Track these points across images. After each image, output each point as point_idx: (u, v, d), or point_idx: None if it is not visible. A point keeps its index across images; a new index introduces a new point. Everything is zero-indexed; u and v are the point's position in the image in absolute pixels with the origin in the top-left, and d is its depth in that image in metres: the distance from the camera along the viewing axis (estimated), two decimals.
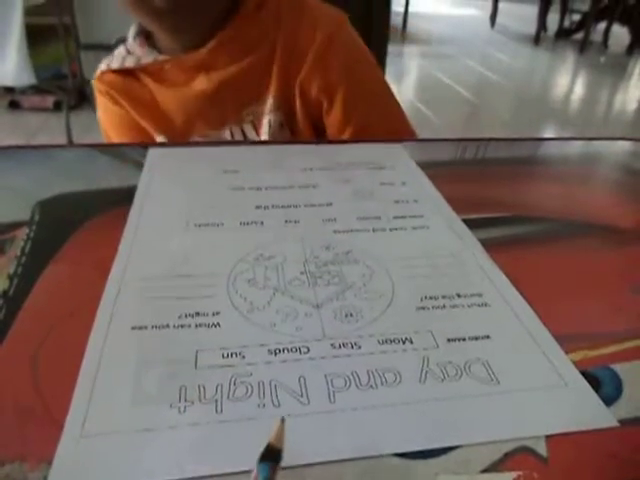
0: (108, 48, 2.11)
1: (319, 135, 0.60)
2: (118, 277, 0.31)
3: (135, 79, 0.60)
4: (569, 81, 3.45)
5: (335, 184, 0.43)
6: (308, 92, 0.57)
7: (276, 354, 0.26)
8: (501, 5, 4.50)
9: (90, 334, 0.27)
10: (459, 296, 0.31)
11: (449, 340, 0.27)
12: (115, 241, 0.34)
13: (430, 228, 0.37)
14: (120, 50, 0.61)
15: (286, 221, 0.37)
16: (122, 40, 0.62)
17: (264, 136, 0.58)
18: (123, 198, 0.39)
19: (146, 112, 0.60)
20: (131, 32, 0.60)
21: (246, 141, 0.59)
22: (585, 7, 4.00)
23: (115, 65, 0.60)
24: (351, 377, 0.25)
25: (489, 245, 0.36)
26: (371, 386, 0.25)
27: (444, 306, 0.30)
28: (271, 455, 0.19)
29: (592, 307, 0.31)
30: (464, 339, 0.28)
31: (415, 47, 3.82)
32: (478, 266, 0.33)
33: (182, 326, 0.28)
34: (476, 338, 0.28)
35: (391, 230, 0.37)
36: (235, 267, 0.32)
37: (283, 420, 0.20)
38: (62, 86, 2.19)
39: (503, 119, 2.54)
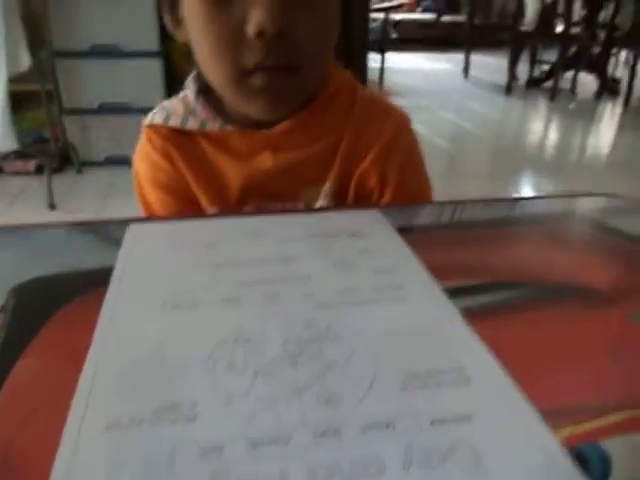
0: (90, 112, 2.14)
1: None
2: (92, 370, 0.30)
3: (192, 141, 0.58)
4: (542, 127, 3.58)
5: (315, 255, 0.43)
6: (365, 183, 0.59)
7: (256, 447, 0.25)
8: (473, 57, 4.70)
9: (62, 436, 0.26)
10: (441, 372, 0.30)
11: (432, 422, 0.27)
12: (90, 328, 0.33)
13: (409, 299, 0.37)
14: (178, 106, 0.58)
15: (265, 297, 0.37)
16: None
17: None
18: (100, 280, 0.39)
19: (202, 179, 0.58)
20: (191, 88, 0.58)
21: (229, 213, 0.59)
22: (552, 57, 4.19)
23: (175, 123, 0.57)
24: (334, 468, 0.24)
25: (470, 314, 0.36)
26: (354, 477, 0.24)
27: (426, 384, 0.29)
28: None
29: (575, 378, 0.31)
30: (447, 420, 0.27)
31: (392, 100, 3.94)
32: (459, 338, 0.33)
33: (158, 421, 0.27)
34: (460, 418, 0.27)
35: (371, 303, 0.37)
36: (214, 350, 0.32)
37: None
38: (44, 150, 2.21)
39: (480, 168, 2.61)
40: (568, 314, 0.37)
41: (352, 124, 0.59)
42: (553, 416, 0.28)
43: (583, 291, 0.40)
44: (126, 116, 2.22)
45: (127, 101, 2.28)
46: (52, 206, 2.03)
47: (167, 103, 0.60)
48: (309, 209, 0.58)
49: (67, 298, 0.37)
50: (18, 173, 2.30)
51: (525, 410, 0.28)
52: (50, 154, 2.19)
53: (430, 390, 0.29)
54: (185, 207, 0.60)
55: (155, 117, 0.59)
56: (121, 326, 0.34)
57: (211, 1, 0.48)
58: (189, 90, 0.59)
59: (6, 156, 2.23)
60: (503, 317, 0.36)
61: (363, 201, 0.61)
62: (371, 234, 0.47)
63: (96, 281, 0.39)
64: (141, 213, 0.63)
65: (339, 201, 0.60)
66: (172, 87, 2.32)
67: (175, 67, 2.24)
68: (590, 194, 0.58)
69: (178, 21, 0.54)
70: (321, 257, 0.43)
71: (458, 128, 3.29)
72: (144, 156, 0.60)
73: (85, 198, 2.16)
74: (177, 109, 0.58)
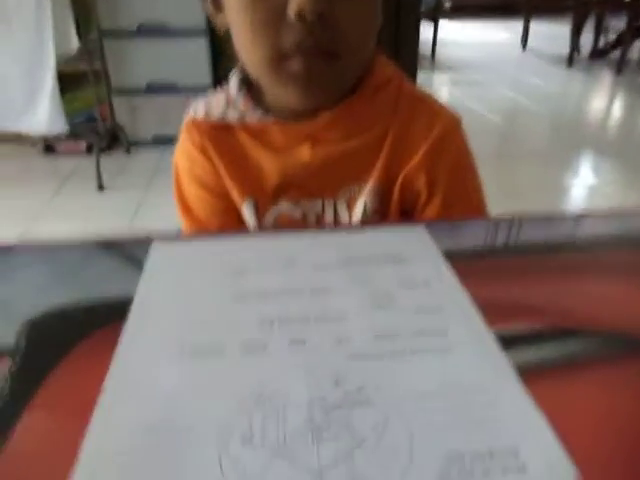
0: (138, 92, 2.14)
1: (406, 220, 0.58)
2: (97, 434, 0.27)
3: (232, 135, 0.57)
4: (606, 104, 3.35)
5: (350, 287, 0.39)
6: (411, 184, 0.56)
7: None
8: (532, 26, 4.44)
9: None
10: (491, 455, 0.26)
11: None
12: (101, 375, 0.31)
13: (455, 351, 0.33)
14: (220, 98, 0.58)
15: (291, 342, 0.33)
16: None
17: (355, 218, 0.57)
18: (117, 313, 0.36)
19: (237, 171, 0.57)
20: (233, 80, 0.57)
21: (258, 232, 0.56)
22: (620, 25, 3.90)
23: (215, 116, 0.57)
24: None
25: (527, 372, 0.30)
26: None
27: (472, 472, 0.25)
28: None
29: None
30: None
31: (445, 74, 3.78)
32: (512, 407, 0.29)
33: None
34: None
35: (410, 354, 0.32)
36: (230, 415, 0.28)
37: None
38: (94, 130, 2.23)
39: (535, 149, 2.47)
40: None
41: (398, 120, 0.55)
42: None
43: None
44: (173, 95, 2.23)
45: (174, 80, 2.27)
46: (101, 187, 2.06)
47: (210, 97, 0.59)
48: (348, 226, 0.54)
49: (79, 336, 0.34)
50: (70, 153, 2.34)
51: None
52: (99, 134, 2.21)
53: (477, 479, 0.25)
54: (221, 204, 0.59)
55: (197, 112, 0.59)
56: (132, 379, 0.31)
57: None
58: (232, 82, 0.58)
59: (58, 136, 2.27)
60: (570, 377, 0.31)
61: (409, 201, 0.57)
62: (415, 259, 0.42)
63: (112, 314, 0.36)
64: (177, 209, 0.62)
65: (383, 203, 0.56)
66: (218, 66, 2.29)
67: (221, 46, 2.20)
68: None
69: (218, 6, 0.53)
70: (358, 290, 0.38)
71: (514, 104, 3.11)
72: (183, 151, 0.60)
73: (133, 178, 2.18)
74: (219, 101, 0.58)
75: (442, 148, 0.55)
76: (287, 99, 0.53)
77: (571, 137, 2.61)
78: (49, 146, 2.36)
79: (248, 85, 0.57)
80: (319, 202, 0.57)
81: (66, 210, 1.90)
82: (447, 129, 0.56)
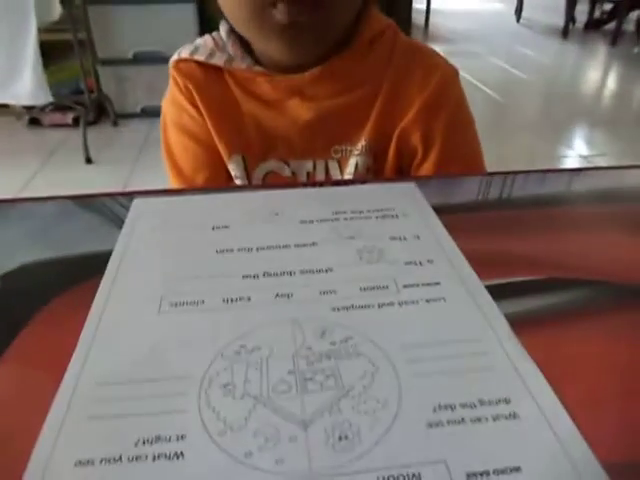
0: (125, 62, 2.08)
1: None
2: (70, 387, 0.26)
3: (220, 80, 0.54)
4: (601, 75, 3.32)
5: (338, 241, 0.37)
6: (408, 140, 0.54)
7: None
8: None
9: (25, 472, 0.22)
10: (481, 403, 0.25)
11: (469, 476, 0.22)
12: (79, 327, 0.29)
13: (447, 300, 0.31)
14: (207, 41, 0.55)
15: (277, 295, 0.32)
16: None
17: (347, 176, 0.55)
18: (95, 268, 0.34)
19: (226, 122, 0.54)
20: (222, 28, 0.54)
21: (244, 186, 0.54)
22: None
23: (200, 56, 0.54)
24: None
25: (519, 323, 0.30)
26: None
27: (462, 419, 0.24)
28: None
29: None
30: (488, 473, 0.22)
31: (438, 45, 3.72)
32: (505, 357, 0.28)
33: (137, 458, 0.22)
34: (503, 471, 0.22)
35: (400, 304, 0.31)
36: (211, 365, 0.27)
37: None
38: (80, 101, 2.18)
39: (530, 120, 2.45)
40: None
41: (392, 75, 0.53)
42: (622, 472, 0.22)
43: None
44: (161, 66, 2.14)
45: (162, 49, 2.21)
46: (88, 160, 2.02)
47: (198, 40, 0.56)
48: (337, 181, 0.52)
49: (55, 290, 0.33)
50: (57, 125, 2.29)
51: (588, 462, 0.22)
52: (85, 106, 2.16)
53: (467, 427, 0.24)
54: (208, 156, 0.57)
55: (182, 51, 0.55)
56: (110, 330, 0.29)
57: None
58: (221, 29, 0.55)
59: (43, 107, 2.22)
60: (563, 328, 0.30)
61: (405, 158, 0.55)
62: (405, 214, 0.41)
63: (91, 269, 0.34)
64: (163, 156, 0.60)
65: (377, 161, 0.55)
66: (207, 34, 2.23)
67: (209, 14, 2.15)
68: None
69: None
70: (346, 244, 0.37)
71: (508, 75, 3.08)
72: (171, 99, 0.57)
73: (121, 151, 2.14)
74: (207, 43, 0.55)
75: (439, 101, 0.53)
76: (272, 54, 0.50)
77: (565, 108, 2.58)
78: (34, 119, 2.30)
79: (237, 35, 0.53)
80: (309, 162, 0.55)
81: (53, 183, 1.87)
82: (444, 81, 0.53)
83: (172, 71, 0.56)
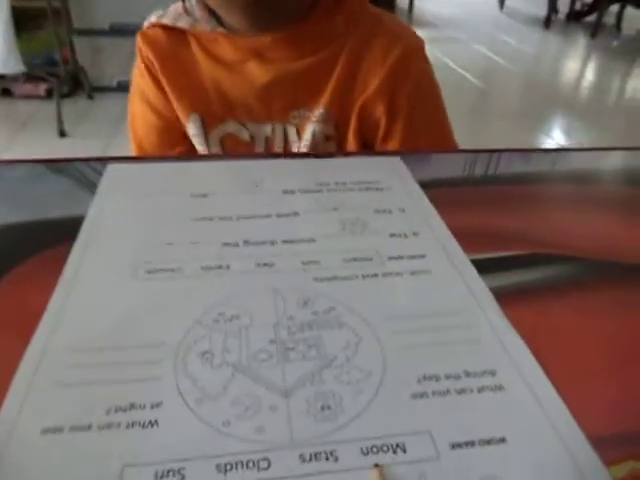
0: (101, 33, 2.01)
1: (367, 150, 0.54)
2: (38, 351, 0.24)
3: (184, 44, 0.54)
4: (580, 66, 3.35)
5: (321, 212, 0.36)
6: (371, 112, 0.52)
7: (226, 471, 0.20)
8: None
9: None
10: (467, 374, 0.24)
11: (453, 446, 0.21)
12: (48, 293, 0.28)
13: (432, 273, 0.31)
14: (177, 6, 0.55)
15: (257, 264, 0.31)
16: None
17: (304, 143, 0.53)
18: (67, 232, 0.33)
19: (186, 83, 0.54)
20: None
21: (223, 155, 0.53)
22: None
23: (167, 20, 0.54)
24: None
25: (503, 296, 0.29)
26: None
27: (447, 391, 0.24)
28: None
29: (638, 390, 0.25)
30: (473, 443, 0.21)
31: (422, 31, 3.69)
32: (490, 330, 0.27)
33: (109, 426, 0.21)
34: (489, 442, 0.22)
35: (384, 276, 0.30)
36: (188, 333, 0.26)
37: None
38: (55, 73, 2.11)
39: (509, 107, 2.46)
40: (627, 299, 0.30)
41: (353, 42, 0.51)
42: (610, 445, 0.22)
43: None
44: None
45: (140, 22, 2.15)
46: (62, 133, 1.96)
47: (171, 7, 0.55)
48: (321, 153, 0.51)
49: (24, 255, 0.31)
50: (28, 97, 2.21)
51: (572, 434, 0.22)
52: (60, 77, 2.09)
53: (452, 398, 0.23)
54: (160, 122, 0.57)
55: (150, 18, 0.56)
56: (82, 294, 0.28)
57: None
58: None
59: (15, 78, 2.13)
60: (545, 301, 0.30)
61: (368, 131, 0.53)
62: (390, 188, 0.40)
63: (62, 234, 0.33)
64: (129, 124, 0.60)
65: (339, 130, 0.53)
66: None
67: None
68: None
69: None
70: (329, 215, 0.36)
71: (490, 63, 3.08)
72: (136, 65, 0.57)
73: (96, 125, 2.07)
74: (176, 8, 0.54)
75: (402, 73, 0.51)
76: (234, 25, 0.50)
77: (545, 98, 2.60)
78: (6, 89, 2.21)
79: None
80: (268, 126, 0.54)
81: (25, 156, 1.81)
82: (407, 52, 0.51)
83: (138, 40, 0.56)
